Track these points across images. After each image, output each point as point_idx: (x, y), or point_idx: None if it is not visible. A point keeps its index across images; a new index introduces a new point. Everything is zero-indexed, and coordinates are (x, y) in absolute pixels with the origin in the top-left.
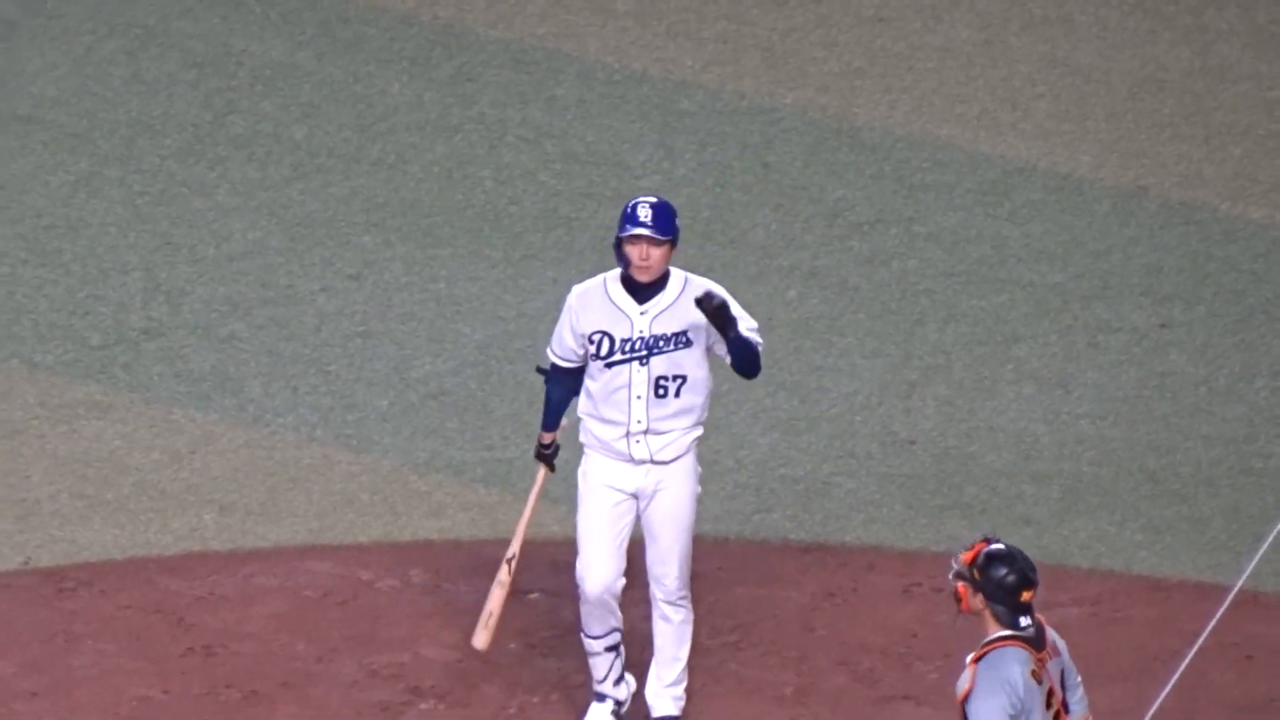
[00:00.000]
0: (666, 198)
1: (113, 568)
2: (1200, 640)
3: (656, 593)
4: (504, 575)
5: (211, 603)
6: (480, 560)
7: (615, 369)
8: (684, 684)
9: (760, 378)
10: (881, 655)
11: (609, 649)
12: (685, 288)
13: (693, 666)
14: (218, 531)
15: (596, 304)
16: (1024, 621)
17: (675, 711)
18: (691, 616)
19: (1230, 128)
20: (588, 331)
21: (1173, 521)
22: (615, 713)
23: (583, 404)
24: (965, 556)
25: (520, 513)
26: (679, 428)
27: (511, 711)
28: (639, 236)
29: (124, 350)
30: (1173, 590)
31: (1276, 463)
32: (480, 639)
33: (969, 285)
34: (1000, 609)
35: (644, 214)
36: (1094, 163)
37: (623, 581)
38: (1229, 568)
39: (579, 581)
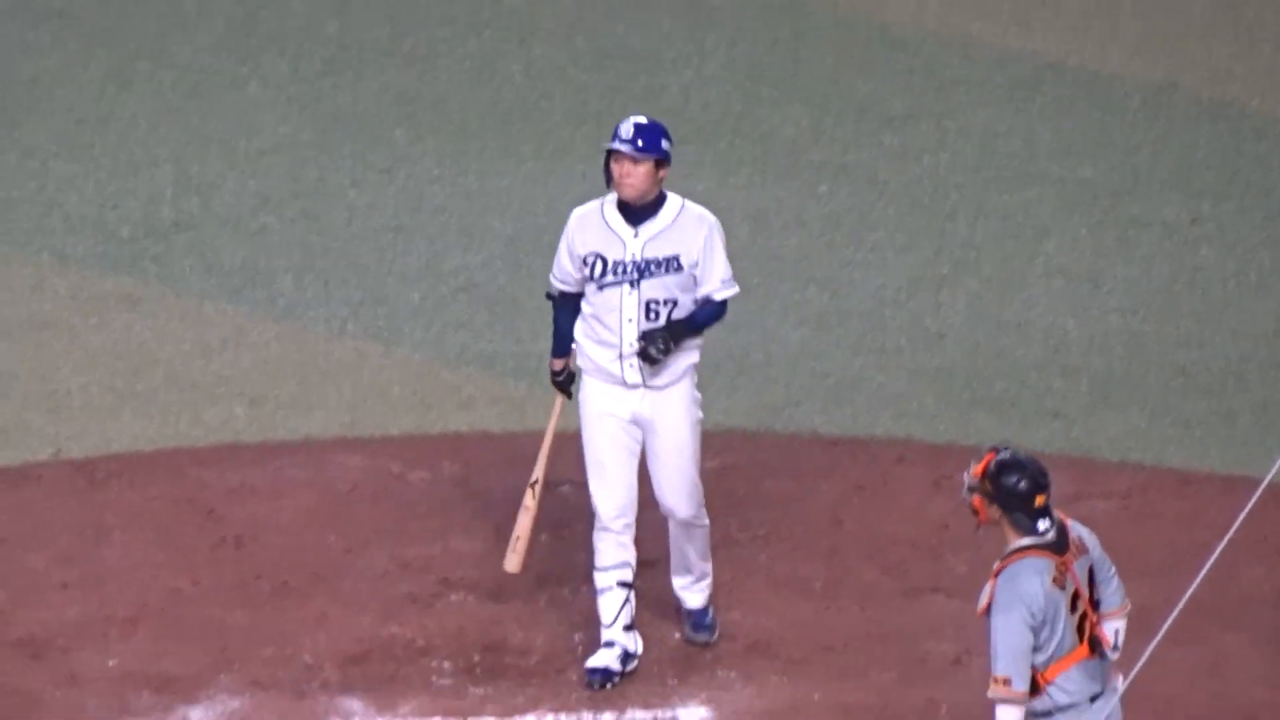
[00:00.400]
0: (694, 94)
1: (143, 460)
2: (1230, 534)
3: (671, 528)
4: (529, 500)
5: (242, 495)
6: (511, 453)
7: (607, 291)
8: (710, 578)
9: (790, 272)
10: (911, 548)
11: (621, 584)
12: (680, 213)
13: (723, 560)
14: (248, 424)
15: (592, 226)
16: (1043, 526)
17: (703, 603)
18: (708, 527)
19: (1261, 25)
20: (583, 253)
21: (1203, 416)
22: (621, 660)
23: (578, 328)
24: (976, 469)
25: (542, 436)
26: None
27: (541, 604)
28: (620, 153)
29: (155, 243)
30: (1202, 484)
31: None
32: (511, 563)
33: (999, 181)
34: (1017, 516)
35: (626, 131)
36: (1124, 59)
37: (635, 503)
38: (1259, 461)
39: (594, 509)
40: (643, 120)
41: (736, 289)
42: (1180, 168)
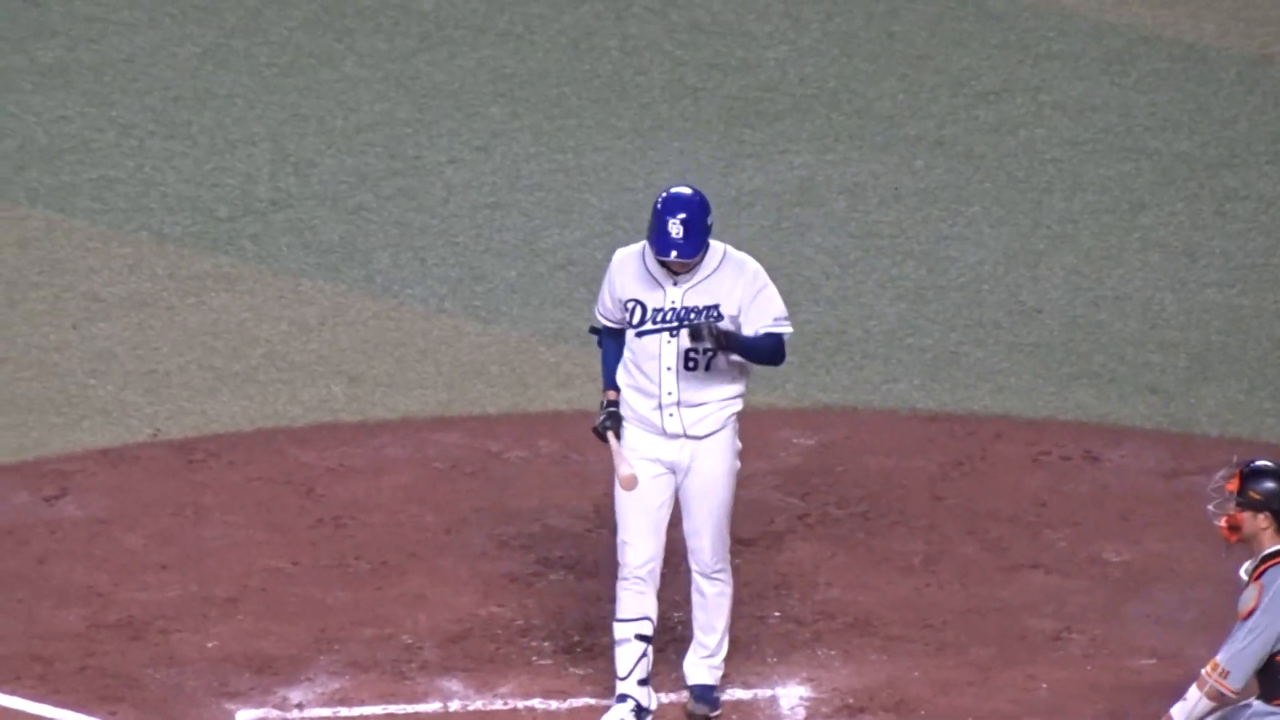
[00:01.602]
0: (790, 67)
1: (241, 439)
2: None
3: (693, 565)
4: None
5: (341, 474)
6: None
7: (646, 339)
8: (722, 654)
9: (887, 246)
10: (1010, 524)
11: (639, 637)
12: (723, 261)
13: (822, 537)
14: (347, 403)
15: (633, 270)
16: None
17: (712, 681)
18: (730, 590)
19: None
20: (624, 298)
21: None
22: (635, 714)
23: (620, 374)
24: (1230, 485)
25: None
26: (713, 400)
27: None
28: (670, 262)
29: (252, 222)
30: None
31: None
32: (624, 472)
33: (1095, 154)
34: None
35: (676, 235)
36: (1218, 31)
37: (661, 559)
38: None
39: (619, 556)
40: (682, 216)
41: (791, 329)
42: (1277, 139)
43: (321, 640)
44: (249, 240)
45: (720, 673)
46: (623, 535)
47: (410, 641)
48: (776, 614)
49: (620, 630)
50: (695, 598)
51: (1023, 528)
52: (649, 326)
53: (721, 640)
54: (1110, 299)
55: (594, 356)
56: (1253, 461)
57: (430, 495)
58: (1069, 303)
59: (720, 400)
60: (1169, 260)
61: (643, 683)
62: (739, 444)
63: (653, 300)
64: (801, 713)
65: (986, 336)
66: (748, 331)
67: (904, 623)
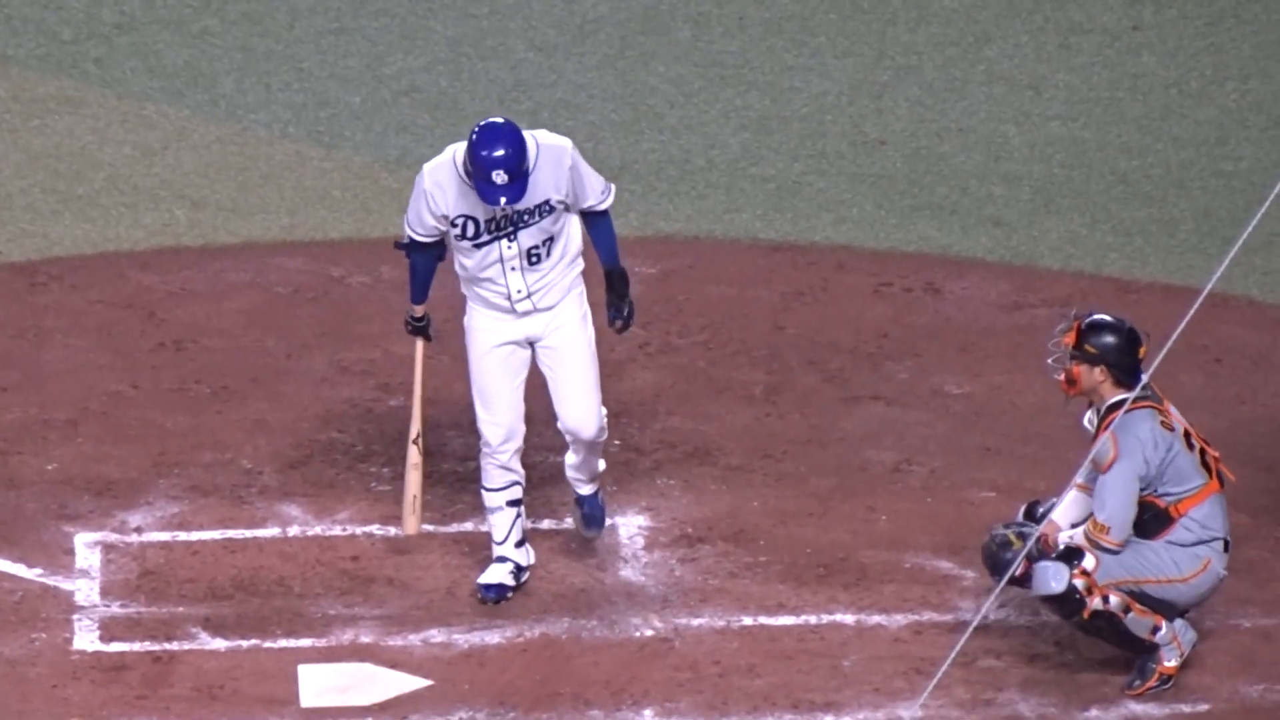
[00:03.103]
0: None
1: (84, 262)
2: (1169, 342)
3: (572, 445)
4: (415, 457)
5: (182, 298)
6: (452, 258)
7: (485, 248)
8: (601, 468)
9: (731, 76)
10: (851, 355)
11: (510, 503)
12: (539, 156)
13: (663, 365)
14: (189, 227)
15: (455, 188)
16: (1144, 378)
17: (592, 490)
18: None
19: None
20: (450, 215)
21: (1143, 223)
22: (514, 574)
23: (459, 269)
24: (1067, 339)
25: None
26: (558, 274)
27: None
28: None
29: (96, 45)
30: (1142, 292)
31: (1247, 165)
32: (409, 525)
33: None
34: (1120, 372)
35: (501, 182)
36: None
37: (524, 429)
38: (1199, 270)
39: (481, 436)
40: (503, 156)
41: (613, 189)
42: None
43: (161, 464)
44: (93, 64)
45: (599, 484)
46: (483, 412)
47: (249, 466)
48: (616, 442)
49: (491, 499)
50: (575, 449)
51: (864, 359)
52: (486, 237)
53: (601, 463)
54: (954, 131)
55: None
56: (1090, 314)
57: (272, 320)
58: (912, 134)
59: (564, 268)
60: (1013, 93)
61: (519, 544)
62: (587, 307)
63: (484, 212)
64: (640, 541)
65: (829, 167)
66: (582, 208)
67: (744, 452)
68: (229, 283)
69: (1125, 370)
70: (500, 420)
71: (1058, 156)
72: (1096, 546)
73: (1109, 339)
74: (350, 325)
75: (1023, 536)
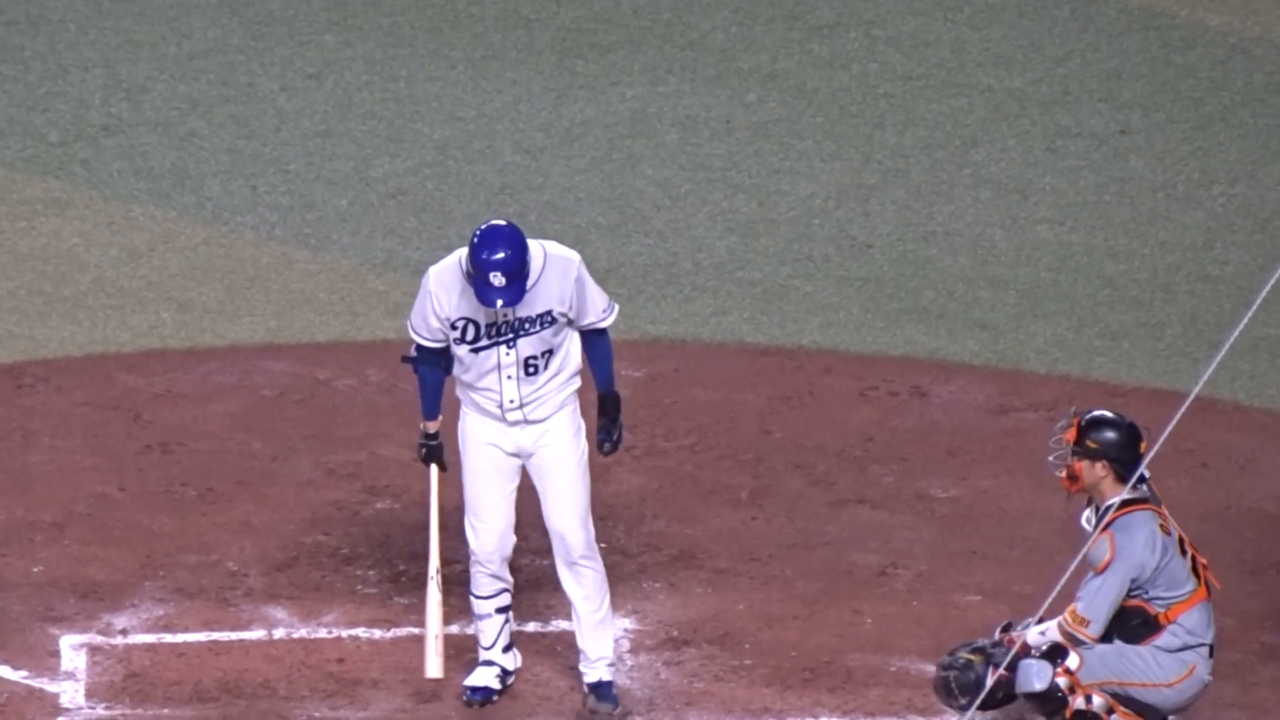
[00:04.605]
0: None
1: (70, 364)
2: (1156, 446)
3: (559, 555)
4: (435, 592)
5: (169, 400)
6: None
7: (483, 353)
8: (612, 643)
9: (718, 179)
10: (837, 458)
11: (499, 610)
12: (545, 265)
13: (649, 469)
14: (176, 329)
15: (459, 290)
16: (1142, 469)
17: (608, 677)
18: (603, 571)
19: None
20: (452, 317)
21: (1130, 327)
22: (500, 678)
23: (457, 372)
24: (1068, 435)
25: (428, 527)
26: (553, 387)
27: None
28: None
29: (83, 147)
30: (1129, 396)
31: (1234, 269)
32: (433, 666)
33: (928, 90)
34: (1122, 467)
35: (499, 284)
36: None
37: (514, 540)
38: (1185, 374)
39: (469, 543)
40: (503, 258)
41: (616, 308)
42: (1109, 78)
43: (147, 566)
44: (80, 165)
45: (614, 668)
46: (473, 519)
47: (235, 569)
48: (602, 545)
49: (480, 606)
50: (571, 591)
51: (850, 463)
52: (485, 342)
53: (608, 629)
54: (941, 235)
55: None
56: (1090, 411)
57: (258, 423)
58: (899, 238)
59: (559, 384)
60: (1000, 197)
61: (507, 649)
62: (581, 423)
63: (485, 317)
64: (625, 644)
65: (816, 271)
66: (583, 324)
67: (730, 556)
68: (215, 385)
69: (1126, 465)
70: (491, 529)
71: (1044, 260)
72: (1070, 638)
73: (1109, 434)
74: (336, 428)
75: (980, 651)
